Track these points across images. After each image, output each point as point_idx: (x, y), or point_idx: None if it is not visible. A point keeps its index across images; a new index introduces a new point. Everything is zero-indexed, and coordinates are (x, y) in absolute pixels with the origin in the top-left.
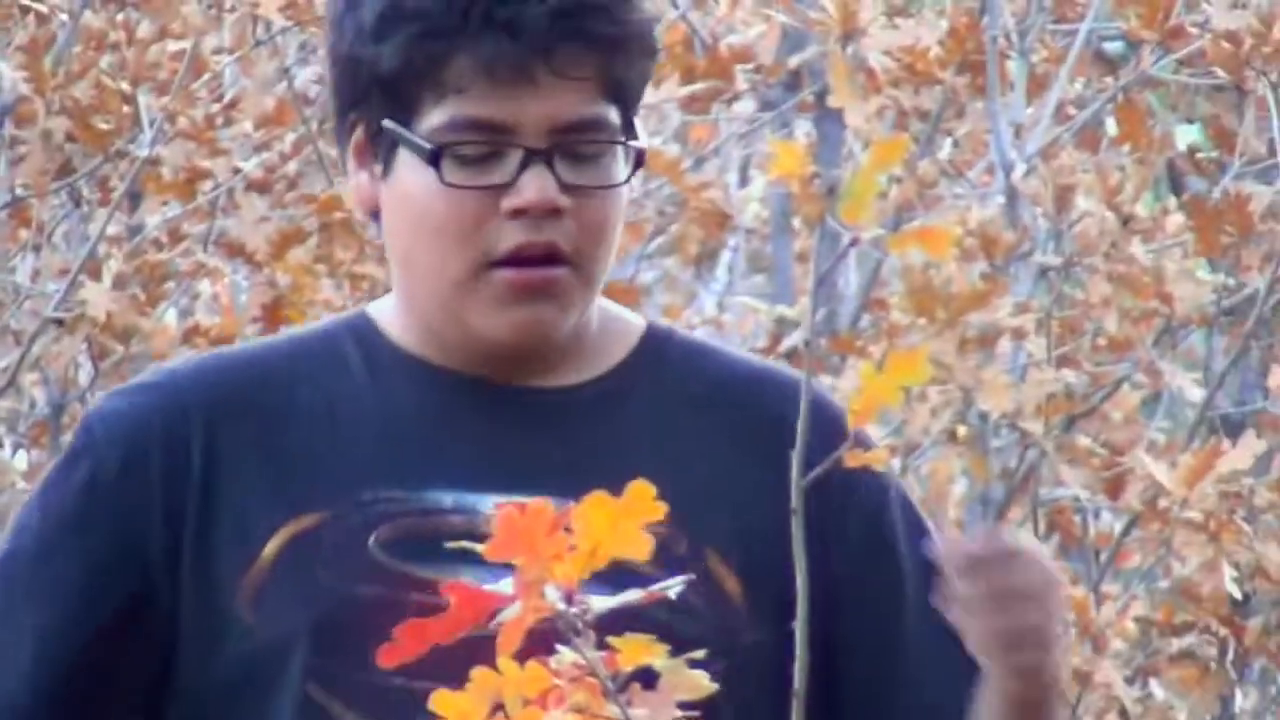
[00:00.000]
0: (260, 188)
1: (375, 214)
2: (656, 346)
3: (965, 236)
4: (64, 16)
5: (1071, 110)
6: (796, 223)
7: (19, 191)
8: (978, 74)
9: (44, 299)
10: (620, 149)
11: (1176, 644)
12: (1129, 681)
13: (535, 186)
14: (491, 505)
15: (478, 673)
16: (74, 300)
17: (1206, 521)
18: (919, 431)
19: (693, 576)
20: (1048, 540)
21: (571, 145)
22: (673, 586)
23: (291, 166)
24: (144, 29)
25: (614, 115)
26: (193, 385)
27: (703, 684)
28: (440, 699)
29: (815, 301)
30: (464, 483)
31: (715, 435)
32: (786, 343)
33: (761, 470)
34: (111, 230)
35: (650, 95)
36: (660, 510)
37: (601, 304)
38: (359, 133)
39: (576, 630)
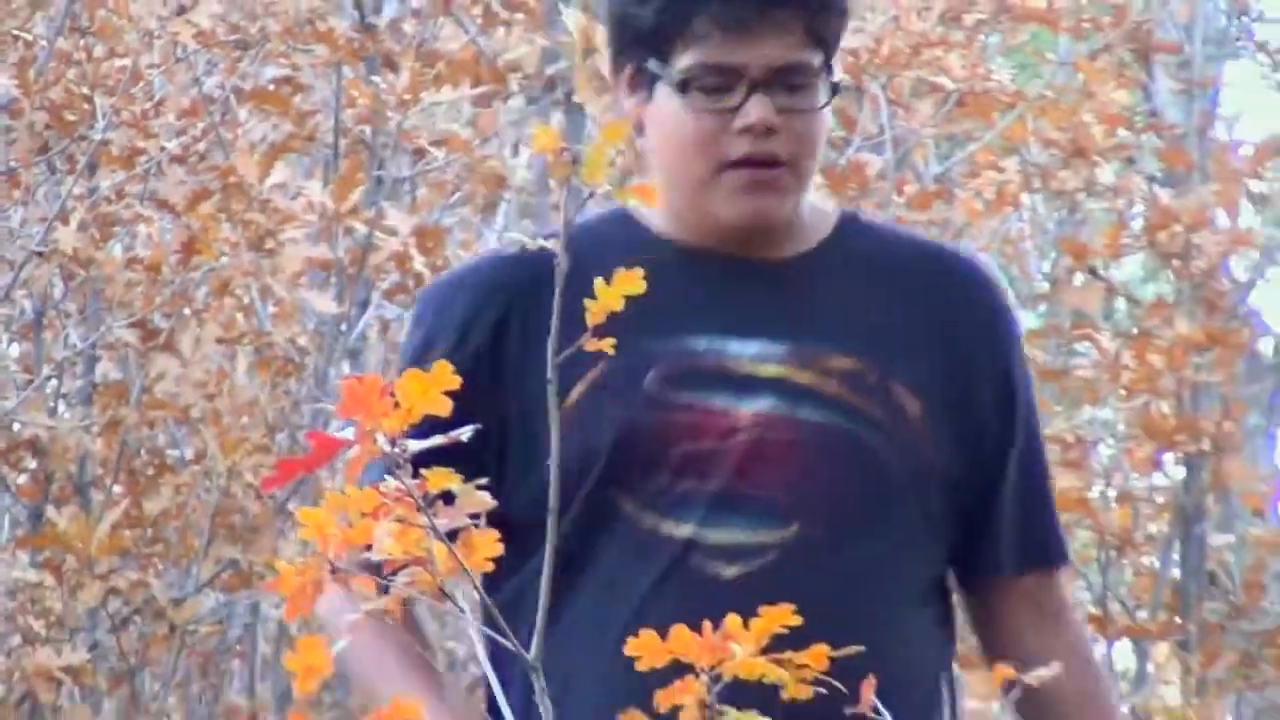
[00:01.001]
0: (180, 161)
1: (640, 129)
2: (848, 227)
3: None
4: (44, 42)
5: None
6: (552, 183)
7: (11, 164)
8: None
9: (29, 238)
10: (822, 82)
11: None
12: None
13: (757, 110)
14: (734, 348)
15: (330, 494)
16: (50, 239)
17: None
18: None
19: (479, 426)
20: None
21: (783, 80)
22: (464, 433)
23: (201, 146)
24: (98, 50)
25: (816, 59)
26: (504, 268)
27: (486, 501)
28: (304, 514)
29: (566, 234)
30: (711, 331)
31: (896, 294)
32: None
33: (930, 324)
34: (76, 190)
35: (449, 94)
36: (455, 382)
37: (809, 197)
38: (627, 70)
39: (399, 465)
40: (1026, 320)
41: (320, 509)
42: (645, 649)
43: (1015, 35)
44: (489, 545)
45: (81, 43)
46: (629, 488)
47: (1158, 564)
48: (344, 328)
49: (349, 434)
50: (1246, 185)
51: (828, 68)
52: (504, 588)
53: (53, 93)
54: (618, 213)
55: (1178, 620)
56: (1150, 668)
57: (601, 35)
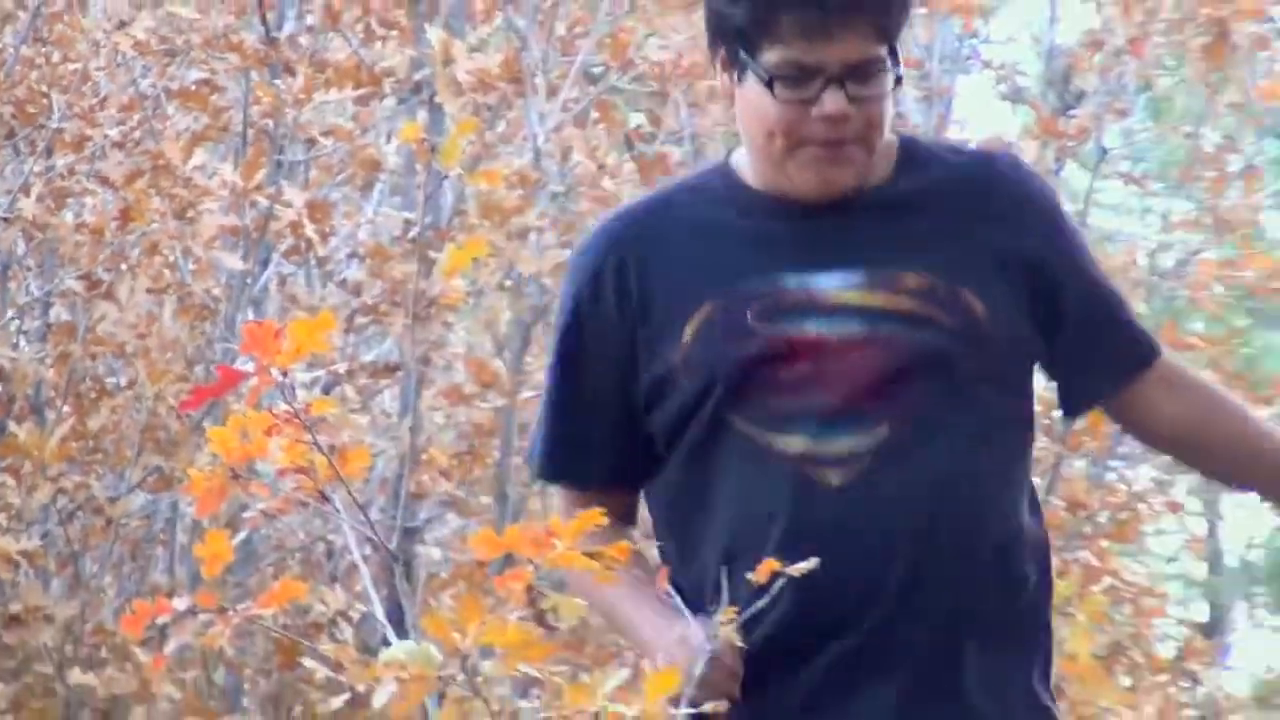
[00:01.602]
0: (119, 146)
1: (730, 99)
2: (907, 156)
3: (511, 175)
4: (11, 50)
5: (572, 104)
6: (417, 166)
7: None
8: (520, 83)
9: None
10: (887, 70)
11: None
12: None
13: (832, 103)
14: (819, 281)
15: (233, 416)
16: (15, 208)
17: None
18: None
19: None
20: None
21: (854, 74)
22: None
23: (137, 134)
24: (55, 57)
25: (883, 52)
26: (623, 230)
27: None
28: (213, 433)
29: (423, 211)
30: (800, 268)
31: (951, 209)
32: (411, 232)
33: (980, 227)
34: (36, 169)
35: (336, 94)
36: (332, 325)
37: None
38: (723, 53)
39: (292, 391)
40: None
41: (225, 428)
42: (482, 544)
43: None
44: (361, 457)
45: (42, 50)
46: (741, 410)
47: None
48: (249, 281)
49: (249, 367)
50: None
51: (893, 56)
52: (657, 494)
53: (18, 91)
54: (719, 166)
55: None
56: None
57: (459, 49)
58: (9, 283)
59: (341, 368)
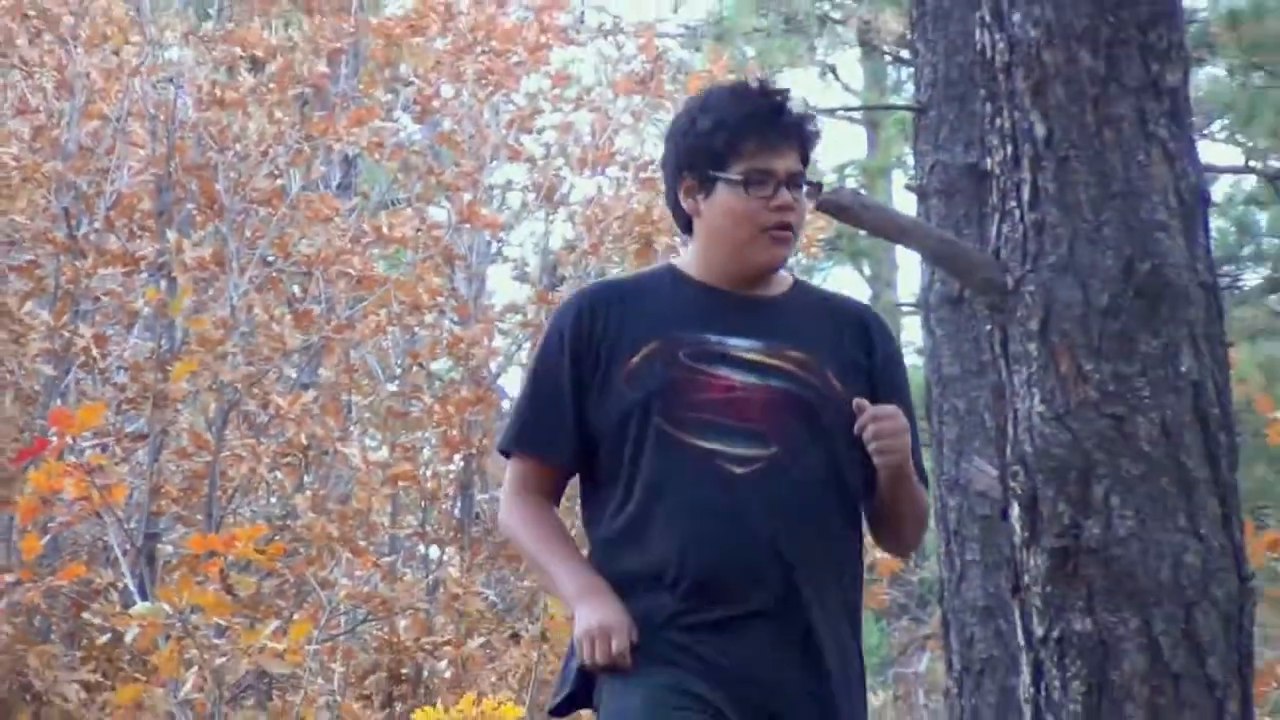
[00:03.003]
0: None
1: (695, 215)
2: (798, 285)
3: (216, 320)
4: None
5: (255, 279)
6: (159, 314)
7: None
8: (222, 265)
9: None
10: (806, 183)
11: None
12: None
13: (785, 198)
14: (733, 342)
15: (45, 465)
16: None
17: None
18: None
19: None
20: None
21: (792, 182)
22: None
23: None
24: None
25: (803, 169)
26: (594, 295)
27: (119, 474)
28: (32, 475)
29: (160, 341)
30: (720, 331)
31: (824, 322)
32: (156, 354)
33: (842, 339)
34: None
35: (110, 270)
36: None
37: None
38: (688, 181)
39: (79, 450)
40: None
41: (40, 472)
42: (196, 544)
43: None
44: (121, 490)
45: None
46: (669, 418)
47: None
48: (57, 382)
49: (54, 437)
50: None
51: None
52: (598, 481)
53: None
54: (665, 267)
55: None
56: None
57: (186, 244)
58: None
59: (111, 437)
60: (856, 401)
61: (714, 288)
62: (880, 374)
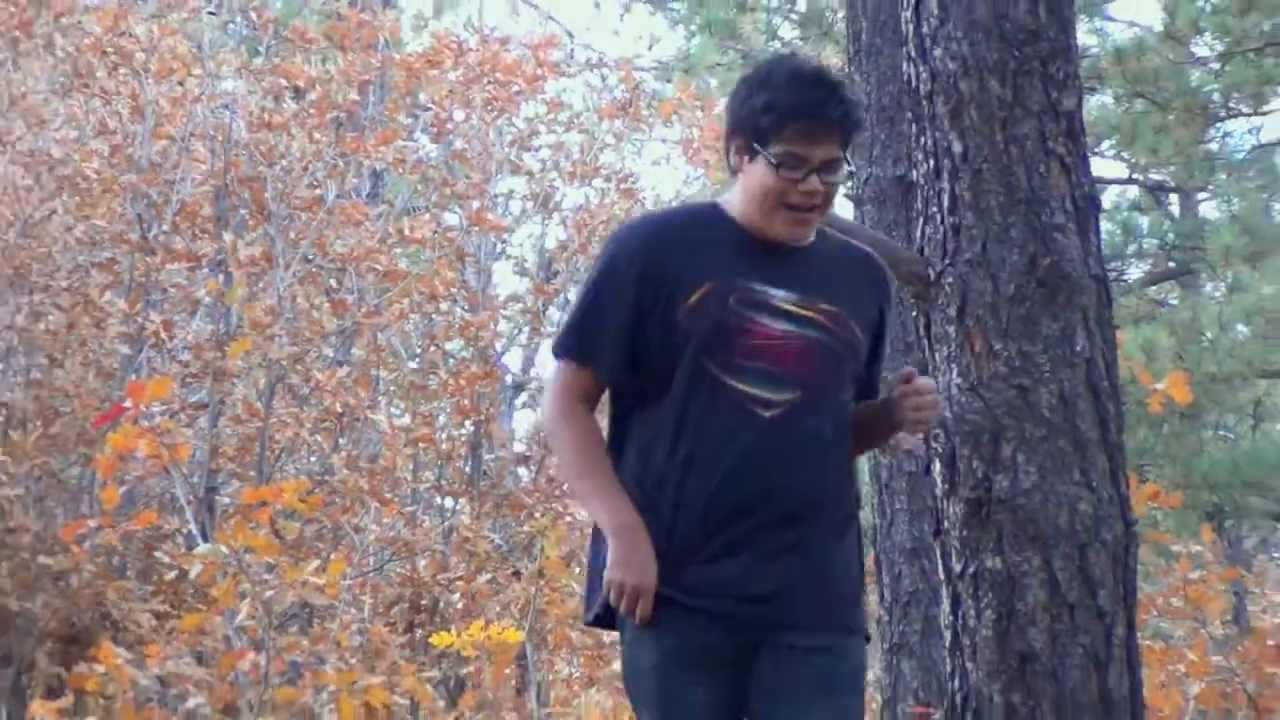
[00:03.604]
0: (67, 291)
1: (738, 170)
2: (821, 234)
3: (265, 309)
4: None
5: (298, 273)
6: (220, 303)
7: None
8: (270, 261)
9: None
10: (843, 165)
11: None
12: None
13: (815, 184)
14: (773, 292)
15: (123, 428)
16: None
17: None
18: None
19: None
20: None
21: (827, 168)
22: None
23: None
24: None
25: (844, 155)
26: (646, 230)
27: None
28: (111, 437)
29: (220, 325)
30: (762, 280)
31: (845, 271)
32: (217, 335)
33: (860, 289)
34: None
35: (178, 265)
36: None
37: None
38: (738, 141)
39: (151, 416)
40: None
41: (117, 434)
42: (249, 496)
43: None
44: (185, 450)
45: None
46: (715, 360)
47: None
48: (132, 361)
49: (129, 404)
50: None
51: (847, 158)
52: (641, 399)
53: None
54: (709, 204)
55: None
56: None
57: (240, 244)
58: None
59: (176, 405)
60: (905, 370)
61: (756, 233)
62: (885, 325)
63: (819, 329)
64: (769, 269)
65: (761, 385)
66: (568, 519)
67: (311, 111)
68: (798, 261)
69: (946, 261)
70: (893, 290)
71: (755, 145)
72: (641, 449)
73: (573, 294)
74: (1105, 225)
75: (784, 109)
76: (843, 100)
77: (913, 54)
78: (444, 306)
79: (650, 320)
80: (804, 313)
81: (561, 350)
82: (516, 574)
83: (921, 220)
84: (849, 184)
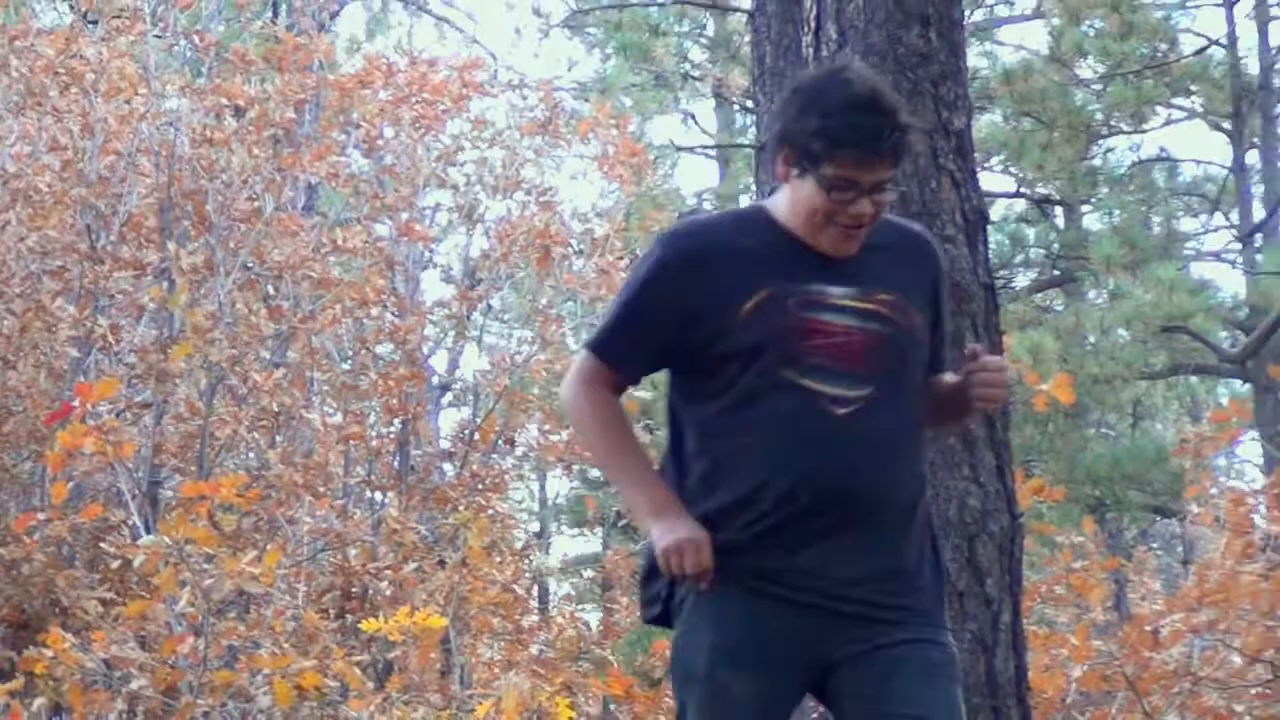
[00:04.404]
0: (20, 296)
1: (784, 179)
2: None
3: (205, 314)
4: None
5: (237, 281)
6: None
7: None
8: (211, 270)
9: None
10: (893, 186)
11: None
12: None
13: (863, 206)
14: (832, 289)
15: (71, 426)
16: None
17: None
18: None
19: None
20: None
21: (877, 189)
22: None
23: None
24: None
25: (893, 174)
26: (690, 236)
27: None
28: (60, 434)
29: (163, 330)
30: (820, 281)
31: (901, 257)
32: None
33: (916, 271)
34: None
35: (125, 273)
36: None
37: None
38: (787, 151)
39: (98, 415)
40: None
41: (66, 431)
42: (188, 490)
43: None
44: (130, 447)
45: None
46: (782, 361)
47: None
48: (80, 363)
49: (77, 403)
50: None
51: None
52: (705, 398)
53: None
54: (756, 208)
55: None
56: None
57: (183, 254)
58: None
59: (122, 404)
60: (970, 348)
61: (802, 239)
62: (940, 297)
63: (882, 320)
64: (825, 269)
65: (832, 382)
66: (490, 512)
67: (250, 129)
68: (852, 256)
69: None
70: (941, 259)
71: (805, 164)
72: (707, 449)
73: (495, 301)
74: (994, 236)
75: (837, 136)
76: (897, 127)
77: None
78: (374, 312)
79: (701, 329)
80: (865, 306)
81: (594, 347)
82: (441, 563)
83: None
84: (754, 198)
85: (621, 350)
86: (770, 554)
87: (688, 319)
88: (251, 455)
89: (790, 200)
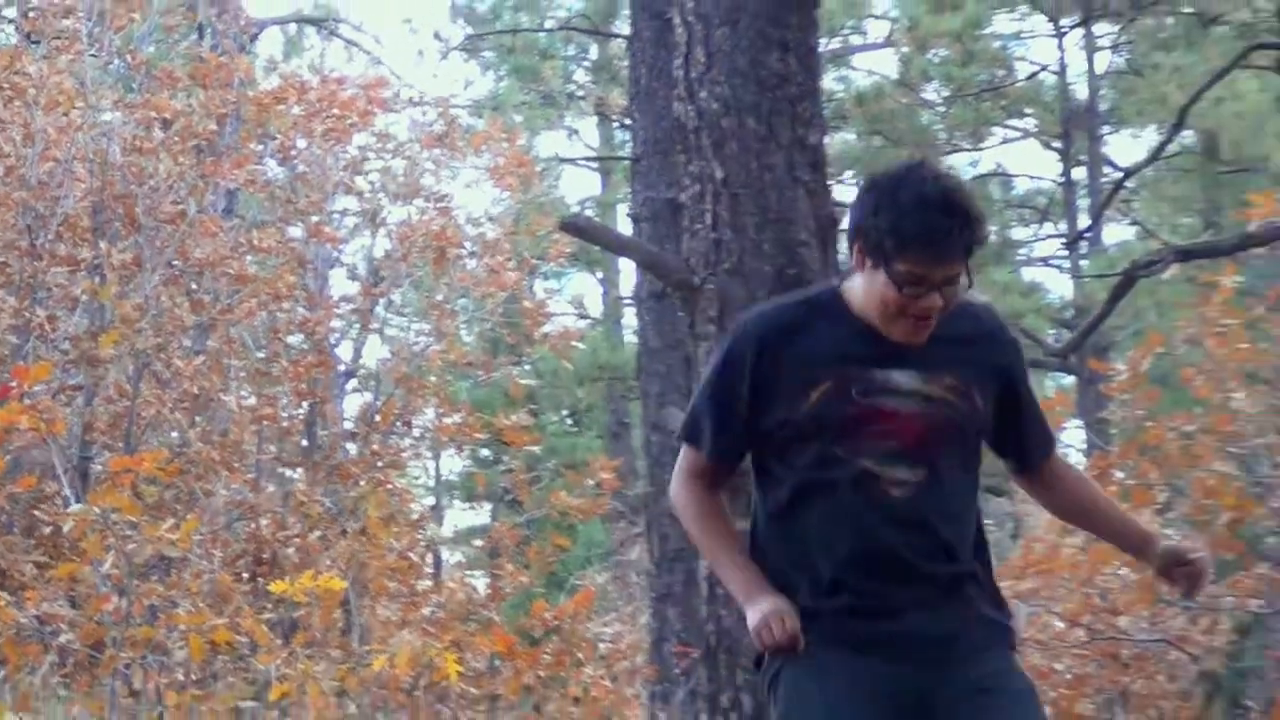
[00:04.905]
0: None
1: (860, 266)
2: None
3: (134, 307)
4: None
5: (160, 280)
6: (95, 303)
7: None
8: (139, 267)
9: None
10: (964, 277)
11: None
12: None
13: (932, 301)
14: (895, 376)
15: (8, 404)
16: None
17: None
18: None
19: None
20: None
21: (948, 282)
22: None
23: None
24: None
25: (965, 269)
26: (766, 324)
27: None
28: None
29: (92, 320)
30: (883, 365)
31: (964, 340)
32: (91, 328)
33: (979, 353)
34: None
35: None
36: None
37: None
38: (860, 244)
39: (33, 395)
40: None
41: (2, 411)
42: (118, 464)
43: None
44: (63, 424)
45: None
46: (845, 447)
47: None
48: (20, 349)
49: (14, 385)
50: None
51: (969, 268)
52: (775, 478)
53: None
54: (832, 290)
55: None
56: None
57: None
58: None
59: (56, 386)
60: (1196, 558)
61: (872, 326)
62: (1015, 379)
63: (944, 405)
64: (890, 354)
65: (891, 466)
66: (389, 487)
67: (177, 139)
68: (916, 346)
69: (709, 271)
70: (1013, 337)
71: (877, 258)
72: (775, 538)
73: (396, 297)
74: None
75: (908, 237)
76: (967, 226)
77: (682, 95)
78: (286, 306)
79: (769, 413)
80: (927, 390)
81: (681, 434)
82: (344, 532)
83: (688, 236)
84: (631, 206)
85: (698, 433)
86: (857, 626)
87: (758, 402)
88: (174, 434)
89: (864, 289)
